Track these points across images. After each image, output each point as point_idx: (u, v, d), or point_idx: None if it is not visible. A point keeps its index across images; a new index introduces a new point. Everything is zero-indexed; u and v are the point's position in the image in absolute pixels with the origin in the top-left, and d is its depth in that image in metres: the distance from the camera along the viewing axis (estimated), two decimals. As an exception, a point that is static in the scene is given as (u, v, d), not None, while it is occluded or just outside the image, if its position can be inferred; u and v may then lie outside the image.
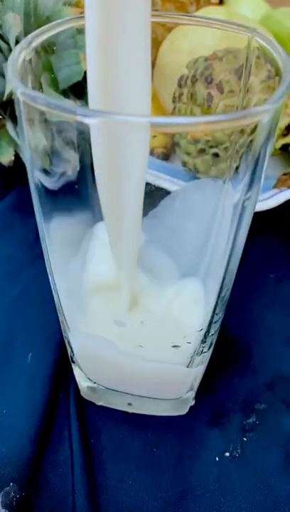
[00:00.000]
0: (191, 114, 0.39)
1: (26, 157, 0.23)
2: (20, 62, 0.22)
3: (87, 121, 0.19)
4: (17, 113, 0.21)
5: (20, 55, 0.22)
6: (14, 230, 0.45)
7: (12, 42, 0.38)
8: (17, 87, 0.19)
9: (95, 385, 0.32)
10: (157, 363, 0.29)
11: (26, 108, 0.20)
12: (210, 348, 0.30)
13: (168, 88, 0.39)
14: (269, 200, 0.42)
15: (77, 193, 0.26)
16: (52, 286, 0.28)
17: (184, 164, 0.36)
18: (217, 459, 0.31)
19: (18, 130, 0.22)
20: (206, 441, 0.31)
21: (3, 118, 0.40)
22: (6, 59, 0.39)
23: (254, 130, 0.21)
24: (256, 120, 0.20)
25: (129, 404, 0.32)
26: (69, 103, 0.31)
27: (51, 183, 0.24)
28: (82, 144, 0.23)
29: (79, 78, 0.35)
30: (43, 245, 0.26)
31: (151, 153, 0.31)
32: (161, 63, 0.41)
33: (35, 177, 0.24)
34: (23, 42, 0.23)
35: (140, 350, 0.28)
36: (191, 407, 0.33)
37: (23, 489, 0.29)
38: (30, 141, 0.22)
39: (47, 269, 0.27)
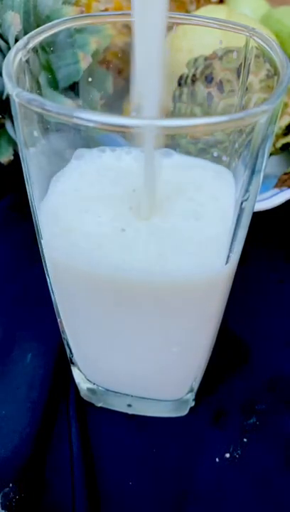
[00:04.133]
0: (191, 113, 0.39)
1: (22, 156, 0.23)
2: (16, 64, 0.22)
3: (83, 123, 0.18)
4: (13, 113, 0.21)
5: (17, 56, 0.22)
6: (14, 230, 0.45)
7: (11, 41, 0.38)
8: (12, 90, 0.19)
9: (95, 387, 0.32)
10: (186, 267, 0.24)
11: (22, 109, 0.20)
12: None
13: (168, 87, 0.39)
14: (270, 200, 0.42)
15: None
16: (49, 287, 0.28)
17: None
18: (217, 459, 0.31)
19: (15, 130, 0.22)
20: (206, 442, 0.31)
21: (3, 117, 0.40)
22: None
23: (252, 130, 0.21)
24: (254, 121, 0.20)
25: (129, 405, 0.32)
26: (67, 103, 0.31)
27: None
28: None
29: (78, 78, 0.35)
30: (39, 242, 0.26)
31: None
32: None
33: (31, 177, 0.24)
34: (20, 43, 0.23)
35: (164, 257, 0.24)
36: (191, 408, 0.33)
37: (23, 490, 0.29)
38: (27, 141, 0.22)
39: (43, 264, 0.27)
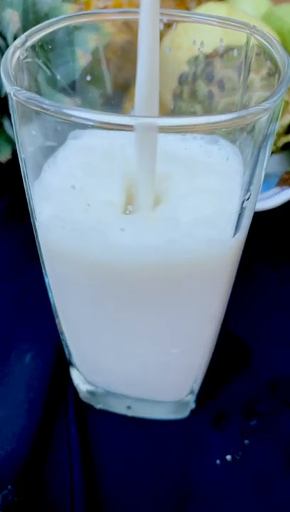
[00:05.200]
0: (192, 111, 0.39)
1: (20, 155, 0.23)
2: (14, 62, 0.21)
3: (82, 122, 0.18)
4: (11, 112, 0.21)
5: (15, 54, 0.22)
6: (13, 230, 0.45)
7: (10, 39, 0.37)
8: (10, 88, 0.19)
9: (94, 388, 0.32)
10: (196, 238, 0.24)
11: (20, 108, 0.20)
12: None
13: (168, 85, 0.39)
14: (271, 199, 0.41)
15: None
16: (47, 287, 0.28)
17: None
18: (218, 462, 0.30)
19: (13, 128, 0.22)
20: (207, 444, 0.31)
21: (1, 116, 0.40)
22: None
23: (253, 129, 0.20)
24: (255, 119, 0.19)
25: (129, 407, 0.32)
26: (66, 101, 0.31)
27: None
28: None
29: (76, 76, 0.35)
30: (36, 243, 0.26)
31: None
32: (162, 60, 0.40)
33: (29, 174, 0.23)
34: (18, 41, 0.23)
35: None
36: (192, 411, 0.32)
37: (22, 492, 0.29)
38: (25, 140, 0.22)
39: (40, 259, 0.27)
